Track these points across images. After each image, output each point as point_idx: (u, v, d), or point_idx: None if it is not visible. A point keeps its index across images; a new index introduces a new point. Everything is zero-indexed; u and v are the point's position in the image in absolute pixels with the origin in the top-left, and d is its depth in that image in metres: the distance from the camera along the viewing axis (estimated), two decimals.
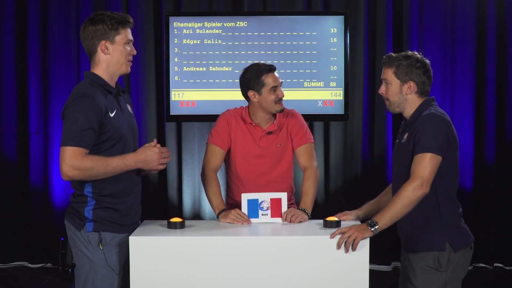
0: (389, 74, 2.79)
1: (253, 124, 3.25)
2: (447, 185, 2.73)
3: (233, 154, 3.26)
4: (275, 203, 2.95)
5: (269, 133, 3.25)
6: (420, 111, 2.76)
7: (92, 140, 2.56)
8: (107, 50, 2.66)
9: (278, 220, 2.95)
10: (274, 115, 3.28)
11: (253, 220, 2.94)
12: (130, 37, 2.72)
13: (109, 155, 2.60)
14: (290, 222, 2.92)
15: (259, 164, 3.23)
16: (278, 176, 3.25)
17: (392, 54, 2.82)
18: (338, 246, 2.62)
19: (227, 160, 3.31)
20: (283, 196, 2.97)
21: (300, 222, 2.93)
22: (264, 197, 2.96)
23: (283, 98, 3.22)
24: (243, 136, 3.24)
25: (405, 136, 2.77)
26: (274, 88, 3.18)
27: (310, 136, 3.29)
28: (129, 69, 2.75)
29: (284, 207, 2.95)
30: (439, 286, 2.69)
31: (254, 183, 3.22)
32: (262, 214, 2.95)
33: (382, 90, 2.84)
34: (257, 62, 3.28)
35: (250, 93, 3.22)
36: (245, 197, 2.96)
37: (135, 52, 2.75)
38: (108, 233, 2.64)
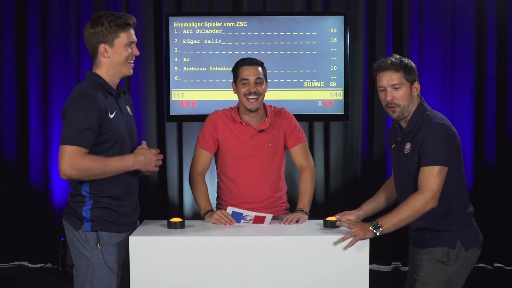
0: (399, 77, 2.74)
1: (244, 124, 3.18)
2: (457, 186, 2.75)
3: (223, 155, 3.21)
4: (258, 219, 2.93)
5: (261, 131, 3.18)
6: (418, 116, 2.74)
7: (91, 140, 2.55)
8: (107, 53, 2.65)
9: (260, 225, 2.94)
10: (266, 113, 3.23)
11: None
12: (132, 38, 2.68)
13: (106, 156, 2.59)
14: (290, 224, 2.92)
15: (250, 164, 3.17)
16: (269, 176, 3.20)
17: (390, 58, 2.78)
18: (340, 241, 2.63)
19: (217, 161, 3.27)
20: (268, 216, 2.94)
21: (297, 221, 2.94)
22: (249, 213, 2.94)
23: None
24: (232, 137, 3.18)
25: (407, 147, 2.75)
26: (245, 81, 3.11)
27: (303, 135, 3.27)
28: (131, 71, 2.72)
29: (266, 225, 2.93)
30: (443, 277, 2.71)
31: (245, 183, 3.18)
32: (244, 222, 2.94)
33: (391, 96, 2.75)
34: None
35: (233, 85, 3.21)
36: (230, 209, 2.95)
37: (137, 53, 2.71)
38: (106, 233, 2.64)
